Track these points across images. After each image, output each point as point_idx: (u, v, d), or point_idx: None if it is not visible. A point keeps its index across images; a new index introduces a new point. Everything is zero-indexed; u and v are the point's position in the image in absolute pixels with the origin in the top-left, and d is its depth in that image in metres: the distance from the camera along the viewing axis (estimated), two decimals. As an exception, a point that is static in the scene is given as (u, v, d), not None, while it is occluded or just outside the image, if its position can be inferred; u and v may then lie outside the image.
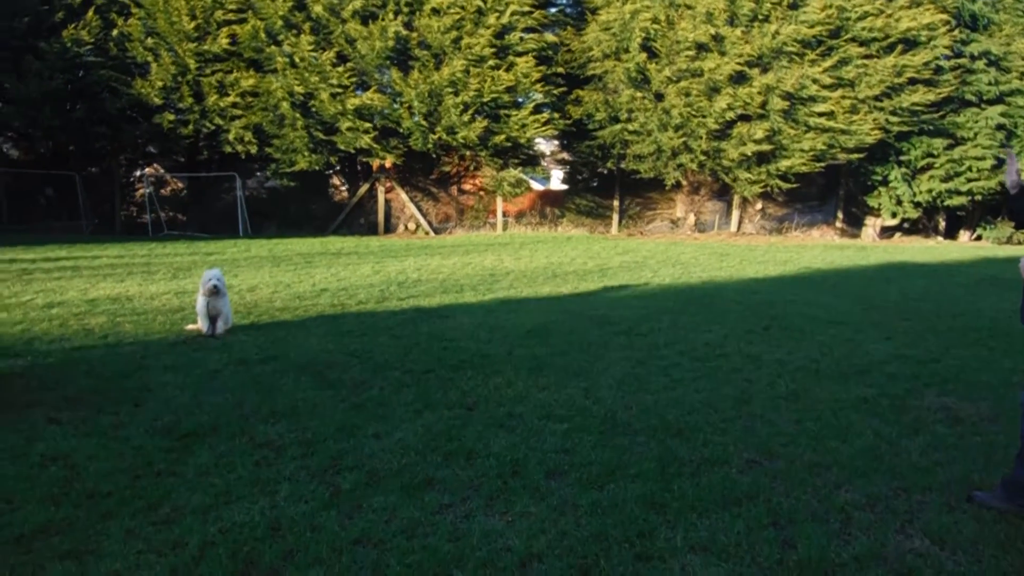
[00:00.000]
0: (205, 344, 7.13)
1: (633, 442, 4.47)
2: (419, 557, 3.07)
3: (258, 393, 5.44)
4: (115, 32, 23.23)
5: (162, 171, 27.52)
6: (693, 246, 21.46)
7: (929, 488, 3.87)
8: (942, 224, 28.94)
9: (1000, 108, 25.85)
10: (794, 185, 25.15)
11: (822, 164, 24.84)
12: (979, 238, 27.92)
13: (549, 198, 30.78)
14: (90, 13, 22.77)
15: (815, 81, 23.49)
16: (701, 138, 24.06)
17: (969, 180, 25.71)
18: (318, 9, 23.48)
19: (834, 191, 28.90)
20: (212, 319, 7.50)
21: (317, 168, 24.95)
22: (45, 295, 9.82)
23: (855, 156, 24.97)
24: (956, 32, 25.56)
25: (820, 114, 23.76)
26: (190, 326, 7.81)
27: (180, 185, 27.72)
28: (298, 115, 23.66)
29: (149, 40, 23.47)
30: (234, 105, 23.70)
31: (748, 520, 3.46)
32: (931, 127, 25.76)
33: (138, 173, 28.05)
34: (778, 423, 4.88)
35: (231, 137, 23.90)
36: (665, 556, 3.13)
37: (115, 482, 3.81)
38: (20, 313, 8.50)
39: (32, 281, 11.08)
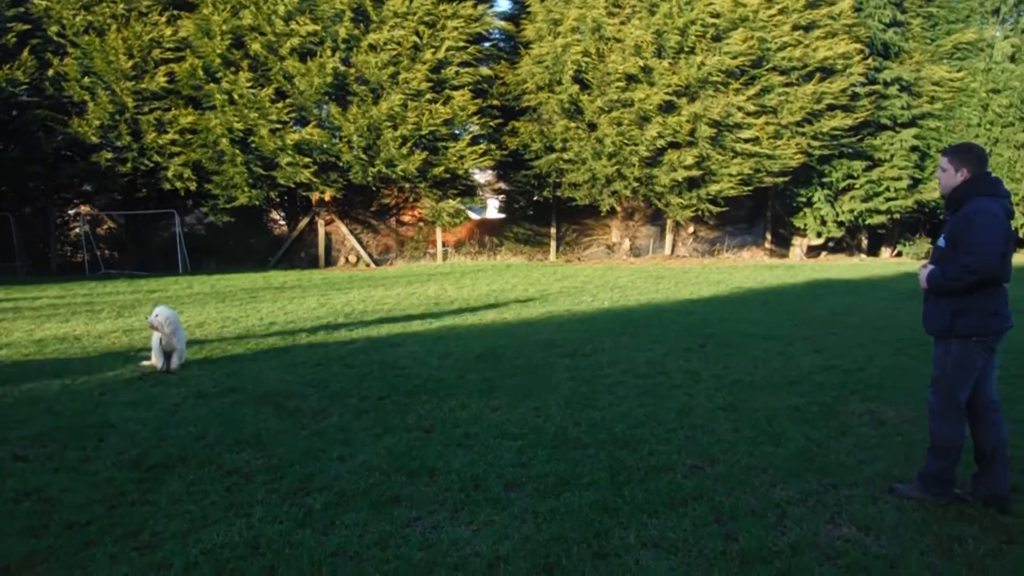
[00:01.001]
0: (163, 379, 7.45)
1: (584, 455, 4.90)
2: (394, 565, 3.41)
3: (220, 424, 5.74)
4: (51, 72, 24.25)
5: (95, 210, 28.70)
6: (629, 270, 22.92)
7: (855, 483, 4.38)
8: (864, 242, 31.65)
9: (913, 131, 28.78)
10: (724, 208, 27.47)
11: (749, 188, 27.10)
12: (899, 254, 30.76)
13: (487, 227, 32.60)
14: (25, 53, 23.74)
15: (740, 109, 25.79)
16: (634, 165, 26.12)
17: (888, 200, 28.49)
18: (256, 47, 25.07)
19: (762, 213, 31.48)
20: (167, 355, 7.81)
21: (257, 203, 26.40)
22: None
23: (780, 179, 27.38)
24: (870, 60, 28.17)
25: (746, 140, 26.10)
26: (144, 363, 8.10)
27: (115, 224, 28.92)
28: (237, 151, 25.00)
29: (86, 79, 24.57)
30: (173, 142, 24.84)
31: (694, 518, 3.90)
32: (850, 150, 28.42)
33: (72, 212, 28.95)
34: (718, 432, 5.42)
35: (170, 174, 25.09)
36: (620, 553, 3.54)
37: (92, 512, 4.03)
38: None
39: None
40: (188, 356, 8.27)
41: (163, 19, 25.04)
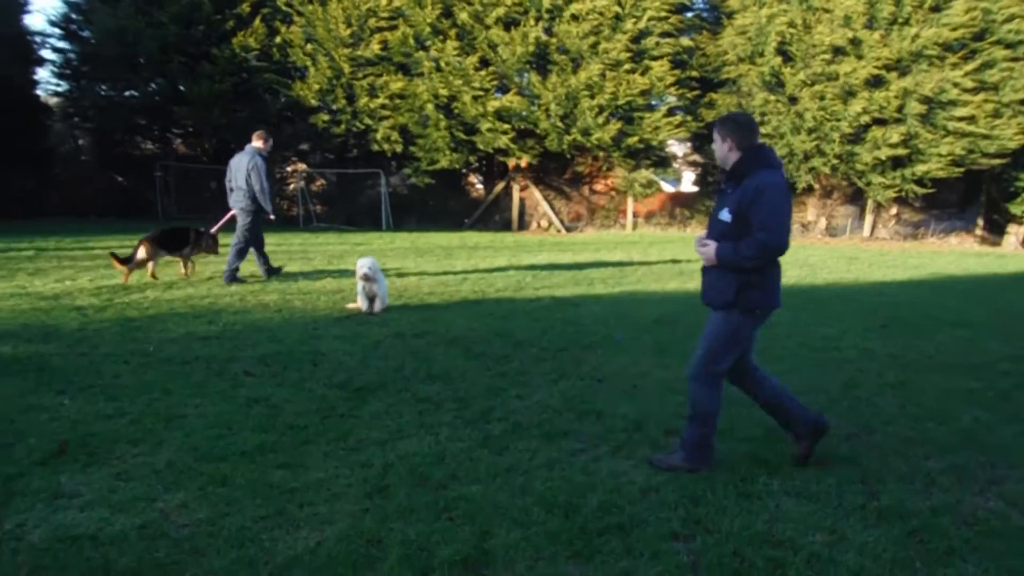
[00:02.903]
0: (365, 320, 8.70)
1: (743, 413, 5.25)
2: (558, 483, 4.06)
3: (415, 360, 6.77)
4: (278, 39, 28.60)
5: (310, 168, 33.92)
6: (823, 249, 23.75)
7: (1015, 465, 4.54)
8: (1094, 234, 31.62)
9: None
10: (931, 190, 27.95)
11: (961, 169, 27.39)
12: None
13: (679, 200, 34.77)
14: (257, 21, 28.21)
15: (956, 84, 26.23)
16: (834, 142, 27.37)
17: (1124, 187, 27.54)
18: (464, 16, 28.65)
19: (975, 197, 31.38)
20: (370, 299, 9.10)
21: (457, 167, 30.22)
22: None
23: (997, 162, 27.39)
24: (1111, 32, 27.30)
25: (960, 118, 26.39)
26: (350, 305, 9.55)
27: (327, 181, 33.99)
28: (441, 116, 28.59)
29: (308, 46, 28.89)
30: (383, 106, 28.76)
31: (840, 477, 4.24)
32: (1082, 132, 28.33)
33: (289, 169, 34.34)
34: (881, 406, 5.70)
35: (379, 136, 29.23)
36: (763, 496, 3.97)
37: (308, 419, 5.04)
38: (204, 289, 10.64)
39: (208, 264, 13.38)
40: (389, 302, 9.57)
41: (380, -12, 29.32)
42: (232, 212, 11.70)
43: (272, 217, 11.75)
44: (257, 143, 11.51)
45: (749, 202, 4.09)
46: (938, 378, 6.72)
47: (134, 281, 11.54)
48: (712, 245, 4.22)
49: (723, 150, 4.31)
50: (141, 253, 11.27)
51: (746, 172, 4.18)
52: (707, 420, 4.35)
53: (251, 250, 11.85)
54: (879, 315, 10.16)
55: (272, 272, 12.12)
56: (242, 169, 11.25)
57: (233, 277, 11.53)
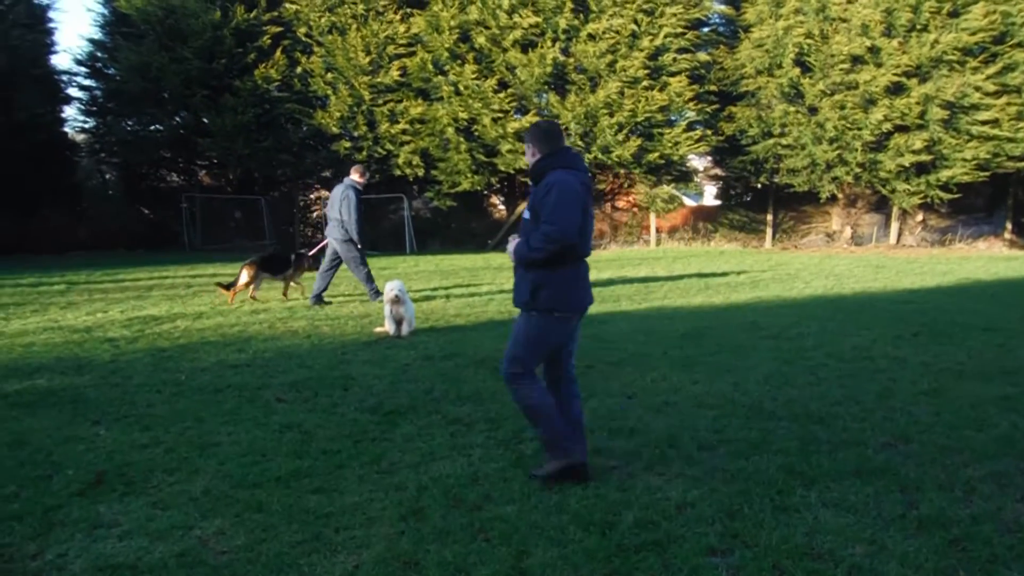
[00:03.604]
0: (394, 343, 8.77)
1: (777, 425, 5.30)
2: (592, 501, 4.05)
3: (445, 382, 6.79)
4: (299, 69, 28.94)
5: (327, 194, 34.32)
6: (848, 259, 23.56)
7: None
8: None
9: None
10: (957, 195, 27.70)
11: (987, 173, 27.21)
12: None
13: (702, 213, 34.82)
14: (278, 53, 28.54)
15: (977, 89, 26.13)
16: (856, 150, 27.28)
17: None
18: (481, 40, 28.85)
19: (1002, 201, 31.19)
20: (397, 322, 9.20)
21: (479, 188, 30.46)
22: (250, 303, 12.18)
23: (1023, 164, 27.41)
24: None
25: (983, 122, 26.27)
26: (378, 329, 9.63)
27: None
28: (462, 139, 28.79)
29: (329, 75, 29.23)
30: (403, 132, 29.00)
31: (877, 487, 4.19)
32: (1109, 133, 28.04)
33: (313, 196, 34.47)
34: (916, 414, 5.64)
35: (400, 161, 29.44)
36: (800, 509, 3.94)
37: (341, 444, 5.07)
38: (234, 318, 10.72)
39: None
40: (416, 325, 9.66)
41: (397, 17, 29.28)
42: (325, 241, 12.24)
43: (359, 247, 12.09)
44: (354, 176, 12.10)
45: (540, 198, 4.26)
46: (972, 385, 6.65)
47: (166, 312, 11.68)
48: (515, 242, 4.35)
49: (528, 155, 4.48)
50: (244, 277, 12.10)
51: (543, 173, 4.33)
52: (543, 414, 4.37)
53: (329, 271, 12.33)
54: (909, 323, 10.10)
55: (319, 301, 12.25)
56: (336, 200, 11.83)
57: (376, 294, 12.16)
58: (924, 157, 26.98)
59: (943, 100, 26.40)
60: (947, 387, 6.57)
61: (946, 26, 26.61)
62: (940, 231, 31.28)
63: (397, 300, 9.05)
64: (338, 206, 11.74)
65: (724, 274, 18.46)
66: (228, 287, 12.14)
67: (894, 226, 31.09)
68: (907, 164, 27.17)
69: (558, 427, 4.38)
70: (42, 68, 27.95)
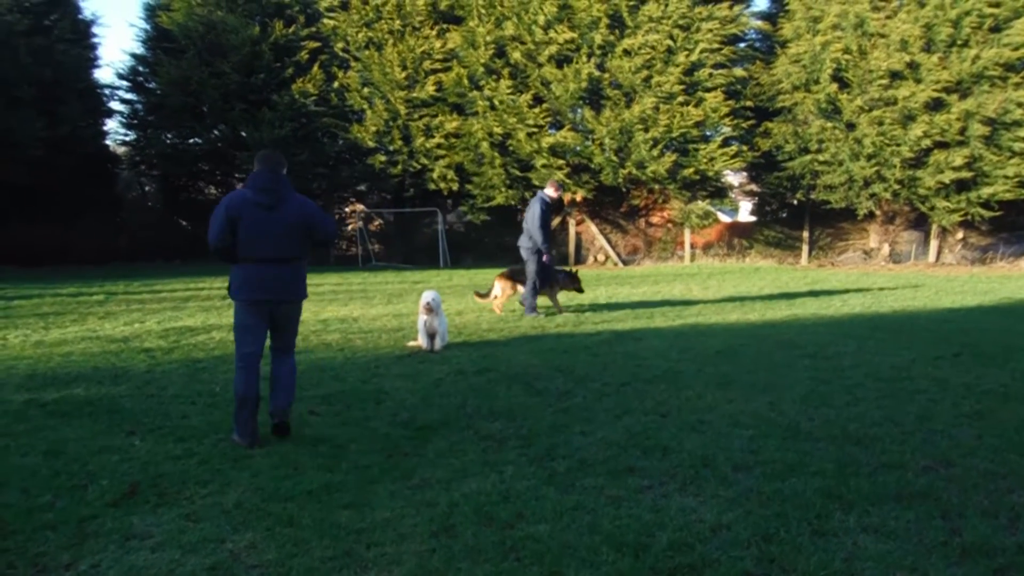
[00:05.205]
0: (426, 358, 8.81)
1: (814, 447, 5.23)
2: (625, 522, 3.98)
3: (477, 397, 6.77)
4: (336, 84, 29.29)
5: (368, 208, 34.51)
6: (886, 276, 23.40)
7: None
8: None
9: None
10: (998, 213, 27.35)
11: None
12: None
13: (737, 229, 34.53)
14: (315, 68, 28.95)
15: (1020, 105, 25.82)
16: (895, 167, 26.92)
17: None
18: (517, 55, 28.99)
19: None
20: (430, 336, 9.21)
21: (513, 203, 30.46)
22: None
23: None
24: None
25: None
26: (411, 343, 9.65)
27: (384, 220, 34.51)
28: (496, 154, 28.92)
29: (365, 90, 29.61)
30: (438, 146, 29.18)
31: (919, 512, 4.08)
32: None
33: (348, 209, 34.83)
34: (958, 437, 5.50)
35: (435, 175, 29.61)
36: (839, 533, 3.84)
37: (373, 459, 5.07)
38: None
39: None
40: (448, 339, 9.66)
41: (433, 32, 29.55)
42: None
43: (546, 258, 12.33)
44: (548, 189, 12.60)
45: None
46: (1017, 407, 6.49)
47: (202, 323, 11.87)
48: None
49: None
50: (497, 289, 12.70)
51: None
52: (238, 399, 5.37)
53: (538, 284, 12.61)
54: (950, 343, 9.87)
55: (532, 310, 12.57)
56: (528, 212, 12.33)
57: (532, 310, 12.49)
58: (965, 174, 26.61)
59: (984, 116, 26.07)
60: (991, 409, 6.41)
61: (987, 41, 26.35)
62: (981, 249, 30.70)
63: (430, 309, 9.07)
64: (528, 217, 12.14)
65: (759, 291, 18.33)
66: (484, 295, 13.09)
67: (933, 244, 30.66)
68: (947, 181, 26.81)
69: (239, 413, 5.51)
70: (85, 82, 28.51)
